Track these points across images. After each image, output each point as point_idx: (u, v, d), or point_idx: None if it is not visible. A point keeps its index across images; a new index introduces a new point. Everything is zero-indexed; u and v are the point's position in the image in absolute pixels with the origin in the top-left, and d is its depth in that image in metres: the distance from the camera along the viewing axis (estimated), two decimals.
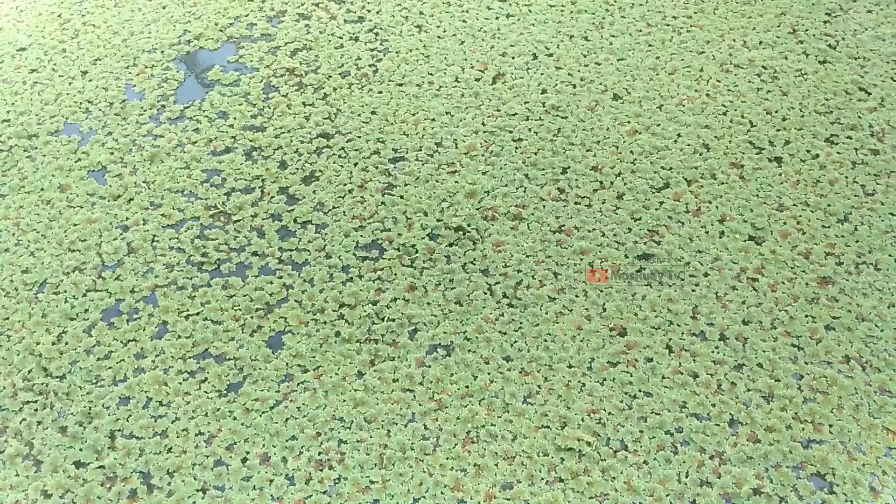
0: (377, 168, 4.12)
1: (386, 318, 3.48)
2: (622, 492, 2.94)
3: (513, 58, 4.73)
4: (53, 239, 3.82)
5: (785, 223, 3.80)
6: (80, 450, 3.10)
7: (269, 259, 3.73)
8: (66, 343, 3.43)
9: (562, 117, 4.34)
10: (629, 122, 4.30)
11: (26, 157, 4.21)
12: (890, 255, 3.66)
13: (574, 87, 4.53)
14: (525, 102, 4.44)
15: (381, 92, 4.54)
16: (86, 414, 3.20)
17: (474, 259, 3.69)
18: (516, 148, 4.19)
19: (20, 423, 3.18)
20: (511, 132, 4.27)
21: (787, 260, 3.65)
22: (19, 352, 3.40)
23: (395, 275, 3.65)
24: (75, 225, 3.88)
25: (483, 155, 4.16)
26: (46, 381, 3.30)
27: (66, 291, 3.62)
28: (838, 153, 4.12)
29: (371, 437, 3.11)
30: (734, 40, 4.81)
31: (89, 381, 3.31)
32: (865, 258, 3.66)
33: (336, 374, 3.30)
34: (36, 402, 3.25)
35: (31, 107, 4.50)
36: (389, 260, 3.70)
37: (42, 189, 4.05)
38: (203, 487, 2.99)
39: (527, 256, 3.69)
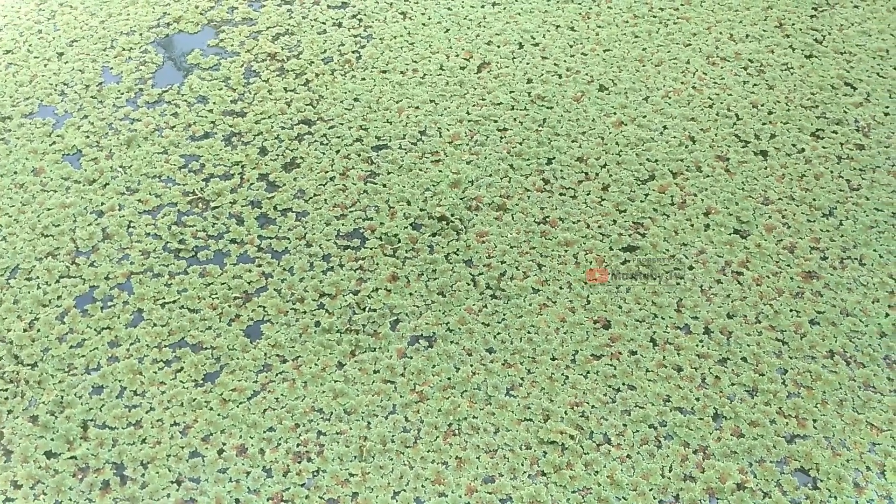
0: (359, 156, 4.05)
1: (367, 308, 3.42)
2: (605, 486, 2.90)
3: (498, 47, 4.67)
4: (26, 223, 3.72)
5: (770, 217, 3.78)
6: (52, 440, 3.02)
7: (248, 247, 3.66)
8: (38, 330, 3.34)
9: (547, 107, 4.29)
10: (615, 114, 4.26)
11: None
12: (874, 251, 3.64)
13: (560, 77, 4.48)
14: (510, 92, 4.38)
15: (364, 79, 4.47)
16: (58, 403, 3.12)
17: (457, 249, 3.64)
18: (501, 138, 4.14)
19: None
20: (496, 122, 4.22)
21: (772, 254, 3.63)
22: None
23: (377, 264, 3.59)
24: (49, 209, 3.78)
25: (467, 144, 4.11)
26: (17, 369, 3.21)
27: (38, 277, 3.52)
28: (824, 147, 4.10)
29: (351, 428, 3.05)
30: (721, 33, 4.78)
31: (61, 369, 3.22)
32: (850, 253, 3.64)
33: (315, 364, 3.24)
34: (6, 390, 3.16)
35: (5, 88, 4.38)
36: (371, 249, 3.64)
37: (15, 172, 3.95)
38: (178, 479, 2.93)
39: (511, 247, 3.65)
